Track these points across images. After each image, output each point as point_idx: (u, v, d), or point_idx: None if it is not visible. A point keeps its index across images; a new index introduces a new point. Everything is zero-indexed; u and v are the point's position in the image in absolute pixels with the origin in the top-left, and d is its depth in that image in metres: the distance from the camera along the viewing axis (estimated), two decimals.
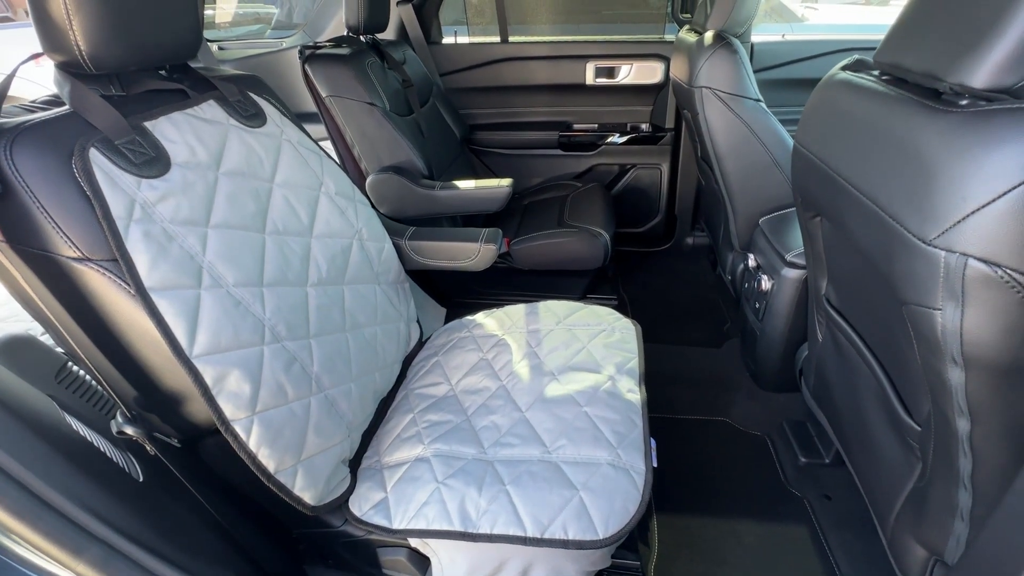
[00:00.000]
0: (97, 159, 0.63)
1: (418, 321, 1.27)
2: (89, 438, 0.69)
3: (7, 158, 0.57)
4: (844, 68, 0.77)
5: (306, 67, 1.46)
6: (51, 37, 0.63)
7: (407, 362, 1.18)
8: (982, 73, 0.51)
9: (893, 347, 0.73)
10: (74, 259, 0.60)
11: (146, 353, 0.67)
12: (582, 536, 0.74)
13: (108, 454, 0.69)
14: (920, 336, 0.58)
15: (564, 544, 0.74)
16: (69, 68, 0.66)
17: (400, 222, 1.26)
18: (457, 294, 1.90)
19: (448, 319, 1.83)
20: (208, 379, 0.66)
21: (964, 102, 0.53)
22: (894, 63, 0.65)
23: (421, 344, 1.25)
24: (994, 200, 0.47)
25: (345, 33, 1.61)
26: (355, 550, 0.89)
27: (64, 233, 0.59)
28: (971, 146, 0.49)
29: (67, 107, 0.66)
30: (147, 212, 0.66)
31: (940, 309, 0.53)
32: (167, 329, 0.64)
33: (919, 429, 0.70)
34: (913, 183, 0.55)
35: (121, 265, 0.61)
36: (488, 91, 2.13)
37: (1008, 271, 0.47)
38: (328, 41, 1.57)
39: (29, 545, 0.56)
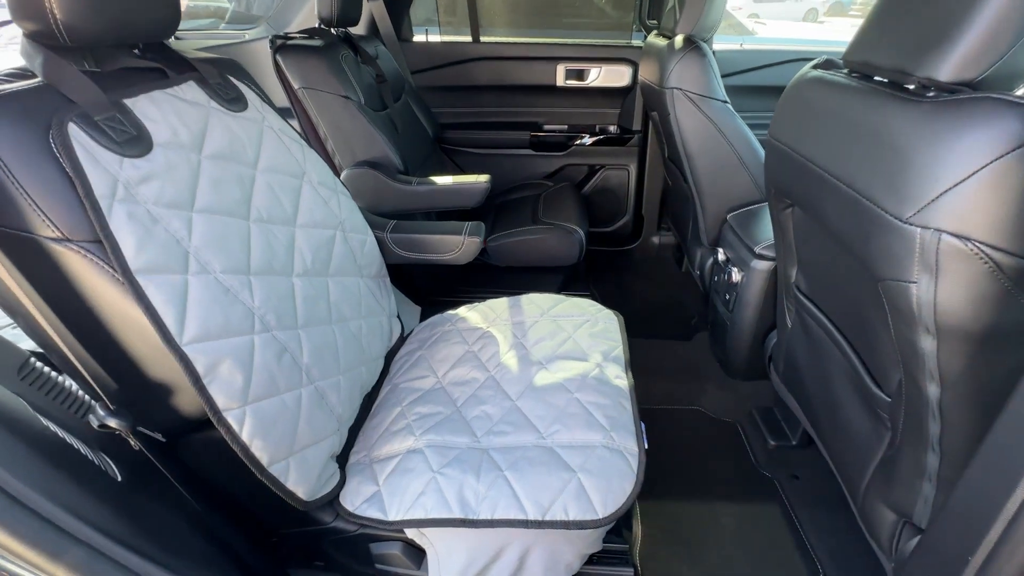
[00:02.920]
0: (76, 134, 0.59)
1: (399, 316, 1.25)
2: (62, 435, 0.64)
3: None
4: (815, 67, 0.83)
5: (277, 57, 1.42)
6: (22, 2, 0.58)
7: (388, 357, 1.16)
8: (947, 68, 0.56)
9: (863, 325, 0.79)
10: (53, 240, 0.56)
11: (130, 341, 0.63)
12: (582, 516, 0.75)
13: (84, 453, 0.65)
14: (895, 310, 0.63)
15: (565, 525, 0.75)
16: (41, 38, 0.62)
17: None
18: (431, 292, 1.88)
19: (423, 317, 1.81)
20: (199, 368, 0.63)
21: (931, 94, 0.59)
22: (864, 61, 0.70)
23: (403, 339, 1.24)
24: (965, 179, 0.52)
25: (314, 25, 1.57)
26: (346, 547, 0.87)
27: (43, 212, 0.55)
28: (942, 132, 0.54)
29: (39, 79, 0.62)
30: (130, 192, 0.63)
31: (915, 282, 0.58)
32: (156, 315, 0.60)
33: (888, 400, 0.76)
34: (889, 167, 0.60)
35: (106, 247, 0.58)
36: (459, 90, 2.14)
37: (978, 244, 0.53)
38: (299, 32, 1.53)
39: (3, 550, 0.52)
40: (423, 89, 2.08)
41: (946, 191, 0.53)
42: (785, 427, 1.40)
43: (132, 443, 0.63)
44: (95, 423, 0.61)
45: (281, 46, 1.43)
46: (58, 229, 0.56)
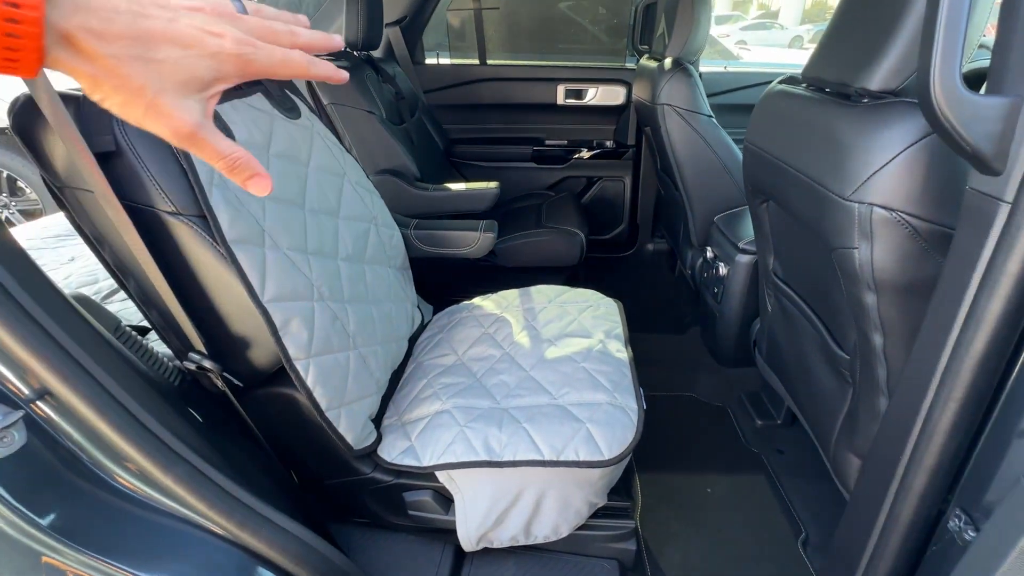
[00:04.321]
0: None
1: (419, 307, 1.39)
2: (155, 381, 0.76)
3: (118, 123, 0.67)
4: (780, 82, 1.00)
5: None
6: None
7: (411, 342, 1.29)
8: (876, 80, 0.72)
9: (825, 296, 0.93)
10: (169, 213, 0.70)
11: (220, 299, 0.76)
12: (591, 457, 0.88)
13: (172, 396, 0.77)
14: (845, 273, 0.77)
15: (576, 464, 0.87)
16: None
17: None
18: (442, 292, 2.01)
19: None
20: (277, 322, 0.76)
21: (865, 100, 0.74)
22: (816, 76, 0.87)
23: (422, 327, 1.37)
24: (886, 164, 0.67)
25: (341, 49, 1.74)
26: (382, 496, 0.99)
27: (163, 190, 0.69)
28: (871, 128, 0.70)
29: None
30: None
31: (857, 248, 0.73)
32: (245, 276, 0.74)
33: (848, 358, 0.90)
34: (834, 158, 0.75)
35: (208, 220, 0.72)
36: (468, 108, 2.31)
37: (900, 213, 0.67)
38: (327, 56, 1.70)
39: (126, 459, 0.64)
40: (435, 107, 2.26)
41: (874, 173, 0.68)
42: (770, 408, 1.54)
43: (219, 383, 0.76)
44: (192, 365, 0.74)
45: None
46: (173, 204, 0.70)
